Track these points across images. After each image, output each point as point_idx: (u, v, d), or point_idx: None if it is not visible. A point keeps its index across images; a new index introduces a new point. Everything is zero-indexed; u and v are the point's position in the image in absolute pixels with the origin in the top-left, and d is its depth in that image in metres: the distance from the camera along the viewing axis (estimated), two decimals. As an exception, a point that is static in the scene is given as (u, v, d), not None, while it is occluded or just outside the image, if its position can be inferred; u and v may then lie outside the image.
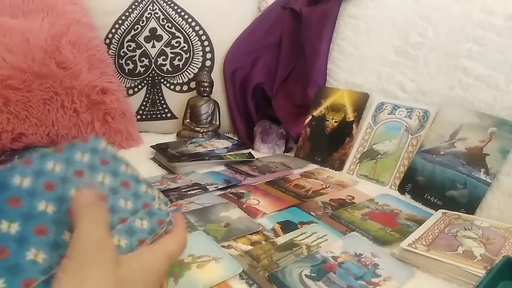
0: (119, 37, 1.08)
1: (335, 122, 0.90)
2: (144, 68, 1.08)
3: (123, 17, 1.08)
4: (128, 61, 1.09)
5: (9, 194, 0.27)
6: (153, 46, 1.08)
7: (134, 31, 1.08)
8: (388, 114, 0.83)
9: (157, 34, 1.08)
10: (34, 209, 0.27)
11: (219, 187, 0.72)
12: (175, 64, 1.08)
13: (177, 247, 0.32)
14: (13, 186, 0.27)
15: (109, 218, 0.30)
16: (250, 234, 0.56)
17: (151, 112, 1.10)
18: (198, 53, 1.09)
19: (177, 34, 1.08)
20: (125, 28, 1.08)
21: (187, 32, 1.08)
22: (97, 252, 0.25)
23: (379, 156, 0.80)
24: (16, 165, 0.28)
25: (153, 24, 1.08)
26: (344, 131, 0.88)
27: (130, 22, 1.08)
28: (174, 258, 0.31)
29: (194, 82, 1.08)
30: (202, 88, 1.05)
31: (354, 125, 0.87)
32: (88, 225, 0.26)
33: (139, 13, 1.08)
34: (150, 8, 1.08)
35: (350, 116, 0.88)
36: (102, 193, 0.31)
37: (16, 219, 0.26)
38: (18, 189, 0.27)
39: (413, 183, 0.73)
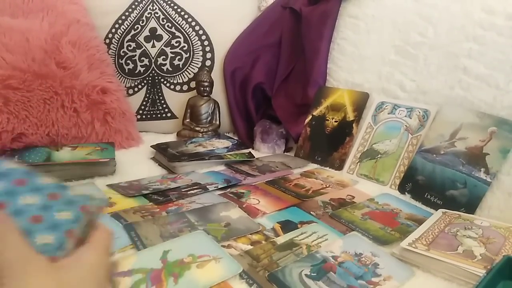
0: (119, 37, 1.08)
1: (335, 121, 0.90)
2: (144, 68, 1.08)
3: (123, 17, 1.08)
4: (128, 61, 1.09)
5: None
6: (153, 46, 1.08)
7: (134, 31, 1.08)
8: (388, 113, 0.83)
9: (157, 34, 1.08)
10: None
11: (219, 187, 0.72)
12: (175, 64, 1.08)
13: (107, 239, 0.31)
14: None
15: (54, 235, 0.29)
16: (250, 234, 0.56)
17: (151, 112, 1.10)
18: (198, 53, 1.09)
19: (177, 34, 1.08)
20: (125, 28, 1.08)
21: (187, 32, 1.08)
22: (23, 268, 0.24)
23: (379, 156, 0.80)
24: None
25: (153, 24, 1.08)
26: (344, 131, 0.88)
27: (130, 22, 1.08)
28: (109, 249, 0.30)
29: (194, 82, 1.08)
30: (202, 88, 1.05)
31: (354, 125, 0.87)
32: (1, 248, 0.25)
33: (139, 13, 1.08)
34: (150, 8, 1.08)
35: (350, 116, 0.88)
36: (35, 215, 0.29)
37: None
38: None
39: (413, 183, 0.73)
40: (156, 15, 1.08)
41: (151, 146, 0.90)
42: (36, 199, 0.30)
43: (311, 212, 0.63)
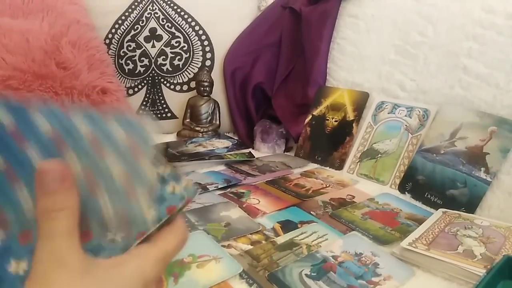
0: (119, 37, 1.08)
1: (335, 121, 0.90)
2: (144, 68, 1.08)
3: (123, 17, 1.08)
4: (128, 61, 1.09)
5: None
6: (153, 46, 1.08)
7: (134, 31, 1.08)
8: (388, 113, 0.83)
9: (157, 34, 1.08)
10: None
11: (219, 187, 0.72)
12: (175, 64, 1.08)
13: (174, 245, 0.26)
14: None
15: (125, 233, 0.24)
16: (250, 233, 0.56)
17: (151, 112, 1.10)
18: (198, 53, 1.09)
19: (177, 34, 1.08)
20: (125, 28, 1.08)
21: (187, 32, 1.08)
22: (57, 269, 0.22)
23: (379, 155, 0.80)
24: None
25: (153, 24, 1.08)
26: (344, 130, 0.88)
27: (130, 22, 1.08)
28: (170, 259, 0.26)
29: (194, 82, 1.08)
30: (202, 88, 1.05)
31: (354, 124, 0.87)
32: (46, 241, 0.22)
33: (139, 13, 1.08)
34: (150, 8, 1.08)
35: (350, 115, 0.88)
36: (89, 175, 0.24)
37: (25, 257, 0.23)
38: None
39: (413, 182, 0.73)
40: (156, 15, 1.08)
41: (151, 146, 0.90)
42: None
43: (311, 212, 0.63)
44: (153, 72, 1.09)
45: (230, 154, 0.87)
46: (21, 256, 0.23)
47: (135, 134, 0.25)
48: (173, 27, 1.08)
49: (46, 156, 0.23)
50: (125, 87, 1.07)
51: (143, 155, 0.26)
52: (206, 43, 1.09)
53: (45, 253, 0.22)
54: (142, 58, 1.08)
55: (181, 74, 1.09)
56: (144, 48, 1.08)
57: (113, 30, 1.08)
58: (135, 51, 1.08)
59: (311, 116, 0.95)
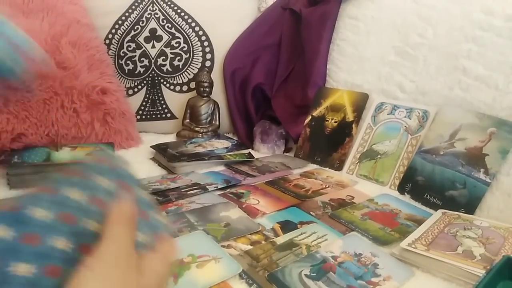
0: (119, 37, 1.08)
1: (335, 122, 0.90)
2: (144, 69, 1.08)
3: (123, 18, 1.08)
4: (128, 62, 1.09)
5: (27, 229, 0.25)
6: (153, 47, 1.08)
7: (134, 31, 1.08)
8: (388, 114, 0.83)
9: (157, 34, 1.08)
10: (51, 248, 0.25)
11: (218, 187, 0.72)
12: (175, 65, 1.08)
13: (169, 249, 0.32)
14: (32, 220, 0.25)
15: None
16: (250, 234, 0.56)
17: (151, 112, 1.10)
18: (198, 54, 1.09)
19: (177, 34, 1.08)
20: (125, 29, 1.08)
21: (187, 32, 1.08)
22: (126, 257, 0.26)
23: (378, 156, 0.80)
24: (35, 194, 0.26)
25: (153, 24, 1.08)
26: (344, 131, 0.88)
27: (130, 22, 1.08)
28: (171, 261, 0.31)
29: (194, 82, 1.08)
30: (202, 88, 1.05)
31: (353, 125, 0.87)
32: (121, 229, 0.27)
33: (139, 13, 1.08)
34: (150, 9, 1.08)
35: (350, 116, 0.89)
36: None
37: (31, 260, 0.24)
38: (36, 223, 0.25)
39: (413, 183, 0.73)
40: (156, 15, 1.08)
41: (150, 147, 0.90)
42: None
43: (311, 212, 0.63)
44: (153, 72, 1.09)
45: (230, 155, 0.87)
46: (28, 259, 0.24)
47: (115, 174, 0.31)
48: (173, 28, 1.08)
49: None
50: (125, 87, 1.07)
51: (131, 187, 0.31)
52: (206, 43, 1.09)
53: (118, 239, 0.26)
54: (142, 59, 1.08)
55: (181, 75, 1.09)
56: (144, 48, 1.08)
57: (113, 31, 1.08)
58: (135, 52, 1.08)
59: (310, 117, 0.95)
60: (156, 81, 1.09)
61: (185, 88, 1.10)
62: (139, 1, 1.08)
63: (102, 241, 0.26)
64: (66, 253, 0.25)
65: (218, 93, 1.09)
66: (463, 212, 0.63)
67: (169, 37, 1.08)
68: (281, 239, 0.55)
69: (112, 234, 0.26)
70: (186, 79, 1.09)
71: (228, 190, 0.72)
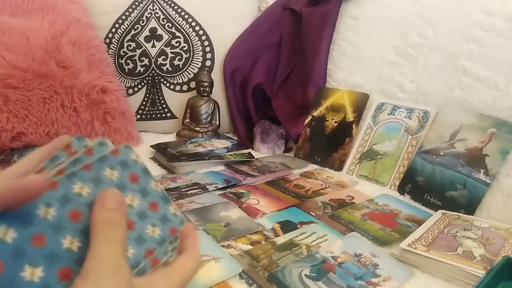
0: (119, 36, 1.08)
1: (335, 122, 0.90)
2: (144, 68, 1.08)
3: (123, 17, 1.08)
4: (128, 61, 1.09)
5: (33, 230, 0.23)
6: (153, 46, 1.08)
7: (134, 30, 1.08)
8: (388, 114, 0.83)
9: (157, 34, 1.08)
10: (59, 247, 0.24)
11: (218, 187, 0.72)
12: (175, 64, 1.08)
13: (191, 269, 0.28)
14: (37, 219, 0.24)
15: (135, 249, 0.27)
16: (250, 234, 0.56)
17: (151, 112, 1.10)
18: (198, 53, 1.09)
19: (177, 34, 1.08)
20: (125, 28, 1.08)
21: (187, 32, 1.08)
22: (113, 276, 0.24)
23: (378, 157, 0.80)
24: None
25: (153, 24, 1.08)
26: (344, 132, 0.88)
27: (130, 21, 1.08)
28: (189, 281, 0.28)
29: (194, 82, 1.08)
30: (202, 88, 1.05)
31: (354, 126, 0.87)
32: (106, 245, 0.24)
33: (139, 12, 1.08)
34: (150, 8, 1.08)
35: (350, 117, 0.88)
36: (129, 220, 0.27)
37: (40, 262, 0.23)
38: (42, 222, 0.24)
39: (413, 184, 0.73)
40: (156, 15, 1.08)
41: (150, 146, 0.90)
42: (138, 203, 0.29)
43: (311, 213, 0.63)
44: (153, 72, 1.08)
45: (230, 155, 0.87)
46: (36, 261, 0.23)
47: (125, 166, 0.30)
48: (173, 27, 1.08)
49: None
50: (125, 86, 1.07)
51: (143, 178, 0.30)
52: (206, 43, 1.09)
53: (102, 255, 0.24)
54: (142, 58, 1.08)
55: (181, 74, 1.09)
56: (144, 48, 1.08)
57: (113, 30, 1.08)
58: (135, 51, 1.08)
59: (311, 117, 0.95)
60: (156, 80, 1.09)
61: (185, 87, 1.10)
62: (139, 0, 1.08)
63: (88, 259, 0.24)
64: (75, 253, 0.24)
65: (218, 93, 1.09)
66: (463, 213, 0.63)
67: (169, 36, 1.08)
68: (281, 239, 0.55)
69: (96, 251, 0.24)
70: (186, 78, 1.09)
71: (228, 190, 0.72)
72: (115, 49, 1.08)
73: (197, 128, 1.04)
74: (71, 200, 0.26)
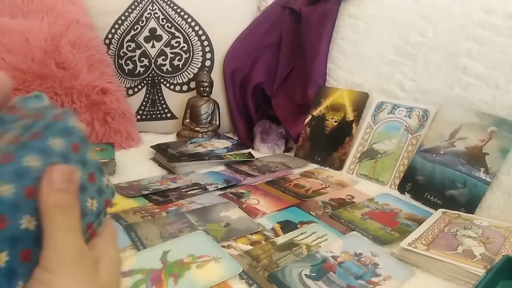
0: (118, 37, 1.08)
1: (335, 121, 0.90)
2: (144, 68, 1.08)
3: (123, 17, 1.08)
4: (128, 61, 1.09)
5: None
6: (153, 46, 1.08)
7: (134, 31, 1.08)
8: (388, 113, 0.83)
9: (156, 34, 1.08)
10: (18, 228, 0.22)
11: (219, 187, 0.72)
12: (175, 64, 1.08)
13: (115, 232, 0.29)
14: None
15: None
16: (250, 234, 0.56)
17: (151, 112, 1.10)
18: (198, 53, 1.09)
19: (177, 34, 1.08)
20: (124, 28, 1.08)
21: (187, 32, 1.08)
22: (78, 265, 0.23)
23: (379, 156, 0.80)
24: None
25: (152, 24, 1.08)
26: (344, 131, 0.88)
27: (129, 22, 1.08)
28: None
29: (194, 82, 1.08)
30: (202, 88, 1.05)
31: (354, 125, 0.87)
32: (65, 234, 0.23)
33: (138, 13, 1.08)
34: (149, 8, 1.08)
35: (350, 116, 0.88)
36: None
37: (4, 246, 0.21)
38: (1, 202, 0.21)
39: (413, 183, 0.73)
40: (155, 15, 1.08)
41: (151, 147, 0.90)
42: (80, 174, 0.26)
43: (311, 212, 0.63)
44: (153, 72, 1.09)
45: (230, 155, 0.87)
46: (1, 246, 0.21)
47: (68, 133, 0.26)
48: (173, 27, 1.08)
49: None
50: (125, 87, 1.07)
51: (82, 147, 0.27)
52: (206, 43, 1.09)
53: (64, 245, 0.23)
54: (142, 58, 1.08)
55: (181, 75, 1.09)
56: (144, 48, 1.08)
57: (113, 30, 1.08)
58: (135, 51, 1.08)
59: (310, 116, 0.95)
60: (156, 81, 1.09)
61: (185, 88, 1.10)
62: (138, 0, 1.08)
63: (47, 248, 0.22)
64: (33, 232, 0.23)
65: (218, 93, 1.09)
66: (463, 212, 0.63)
67: (169, 36, 1.08)
68: (281, 239, 0.55)
69: (55, 241, 0.23)
70: (186, 79, 1.09)
71: (228, 190, 0.72)
72: (114, 49, 1.08)
73: (197, 128, 1.04)
74: (24, 175, 0.23)
